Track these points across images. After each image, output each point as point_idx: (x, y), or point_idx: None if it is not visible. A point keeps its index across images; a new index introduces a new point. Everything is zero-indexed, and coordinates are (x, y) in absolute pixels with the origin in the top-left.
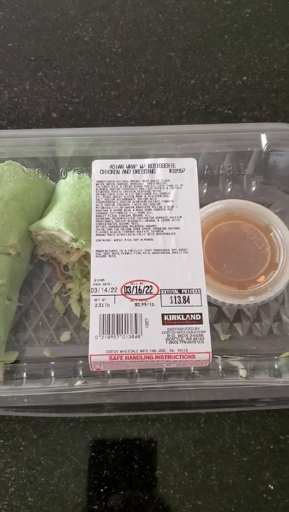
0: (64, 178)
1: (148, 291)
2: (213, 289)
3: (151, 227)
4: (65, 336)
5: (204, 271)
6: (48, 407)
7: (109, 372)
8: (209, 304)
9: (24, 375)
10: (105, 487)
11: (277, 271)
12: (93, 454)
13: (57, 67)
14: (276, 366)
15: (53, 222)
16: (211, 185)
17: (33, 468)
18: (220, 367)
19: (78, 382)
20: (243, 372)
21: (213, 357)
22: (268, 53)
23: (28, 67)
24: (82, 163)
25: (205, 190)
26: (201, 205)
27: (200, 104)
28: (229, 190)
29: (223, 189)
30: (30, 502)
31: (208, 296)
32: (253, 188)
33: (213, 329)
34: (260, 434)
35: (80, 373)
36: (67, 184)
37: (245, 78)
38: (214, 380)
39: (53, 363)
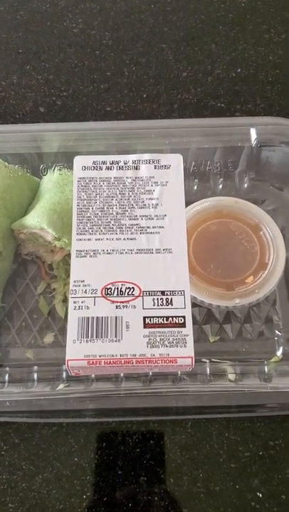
0: (45, 175)
1: (130, 292)
2: (200, 290)
3: (135, 226)
4: (49, 338)
5: (191, 271)
6: (29, 412)
7: (93, 376)
8: (197, 305)
9: (6, 377)
10: (88, 493)
11: (267, 271)
12: (76, 459)
13: (45, 60)
14: (266, 370)
15: (35, 220)
16: (201, 182)
17: (14, 473)
18: (208, 371)
19: (61, 386)
20: (231, 376)
21: (201, 360)
22: (263, 44)
23: (16, 60)
24: (67, 159)
25: (195, 187)
26: (191, 203)
27: (192, 97)
28: (220, 186)
29: (214, 186)
30: (10, 508)
31: (194, 298)
32: (245, 185)
33: (202, 331)
34: (249, 440)
35: (64, 376)
36: (51, 181)
37: (239, 70)
38: (201, 385)
39: (35, 366)
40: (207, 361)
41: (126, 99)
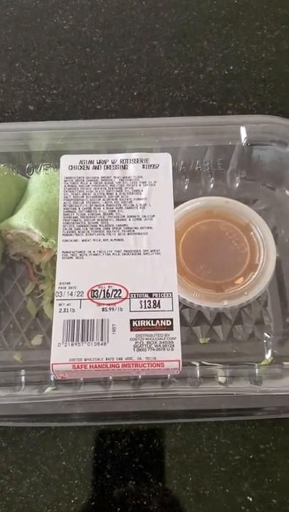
0: (31, 174)
1: (116, 295)
2: (189, 292)
3: (122, 227)
4: (37, 340)
5: (180, 272)
6: (17, 416)
7: (81, 378)
8: (187, 306)
9: None
10: (76, 497)
11: (257, 272)
12: (64, 463)
13: (35, 58)
14: (256, 373)
15: (22, 220)
16: (192, 181)
17: (1, 477)
18: (198, 373)
19: (48, 389)
20: (222, 379)
21: (191, 363)
22: (256, 41)
23: (5, 58)
24: (56, 158)
25: (186, 187)
26: (182, 202)
27: (184, 95)
28: (211, 186)
29: (205, 185)
30: None
31: (183, 300)
32: (237, 184)
33: (192, 332)
34: (240, 443)
35: (51, 379)
36: (39, 180)
37: (231, 68)
38: (191, 388)
39: (23, 369)
40: (197, 364)
41: (116, 97)
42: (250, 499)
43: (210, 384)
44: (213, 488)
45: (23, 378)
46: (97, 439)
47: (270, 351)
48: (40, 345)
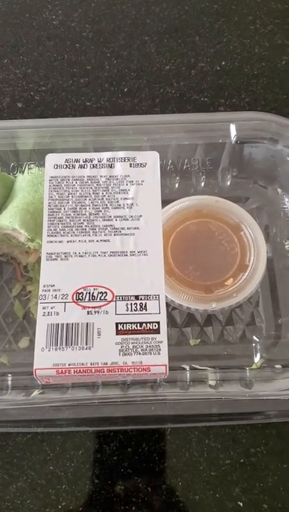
0: (15, 174)
1: (102, 297)
2: (177, 293)
3: (109, 228)
4: (24, 342)
5: (169, 273)
6: (4, 421)
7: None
8: (176, 308)
9: None
10: (63, 503)
11: (247, 273)
12: (51, 467)
13: (24, 54)
14: (247, 376)
15: (7, 220)
16: (183, 180)
17: None
18: (188, 377)
19: (35, 393)
20: (212, 382)
21: (181, 366)
22: (248, 36)
23: None
24: (43, 157)
25: (177, 185)
26: (173, 201)
27: (175, 91)
28: (202, 184)
29: (196, 183)
30: None
31: (172, 301)
32: (228, 183)
33: (182, 334)
34: (230, 447)
35: (38, 383)
36: (25, 179)
37: (223, 63)
38: (181, 391)
39: (9, 372)
40: (187, 367)
41: (106, 93)
42: (241, 504)
43: (200, 387)
44: (203, 493)
45: (9, 382)
46: (85, 443)
47: (261, 354)
48: (28, 347)
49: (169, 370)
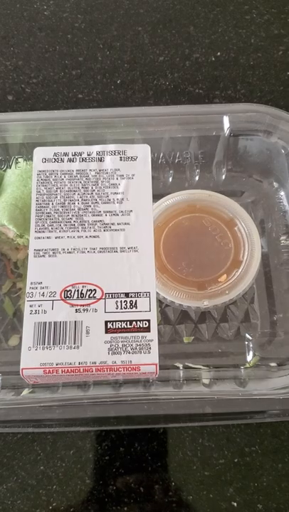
0: (2, 168)
1: (91, 295)
2: (170, 290)
3: (98, 223)
4: (14, 340)
5: (161, 270)
6: None
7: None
8: (168, 305)
9: None
10: (54, 504)
11: (240, 269)
12: (42, 467)
13: (14, 45)
14: (242, 374)
15: None
16: (177, 173)
17: None
18: (181, 375)
19: (25, 392)
20: (206, 381)
21: (174, 365)
22: (244, 26)
23: None
24: (32, 151)
25: (170, 179)
26: (166, 195)
27: (169, 83)
28: (197, 178)
29: (190, 177)
30: None
31: (164, 298)
32: (223, 176)
33: (176, 331)
34: (224, 447)
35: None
36: (14, 174)
37: (219, 54)
38: (174, 390)
39: None
40: (180, 366)
41: (99, 85)
42: (235, 504)
43: (194, 386)
44: (197, 493)
45: None
46: (77, 442)
47: (255, 352)
48: (18, 345)
49: (163, 368)
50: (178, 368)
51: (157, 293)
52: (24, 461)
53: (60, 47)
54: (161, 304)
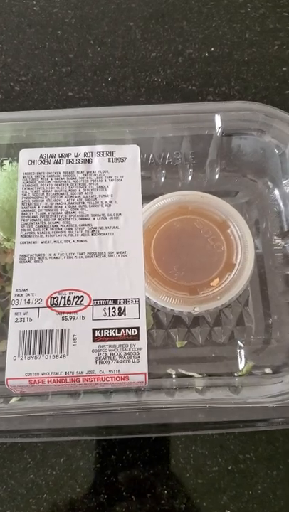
0: None
1: (78, 302)
2: (161, 295)
3: (86, 227)
4: (3, 346)
5: (152, 274)
6: None
7: None
8: (159, 310)
9: None
10: None
11: (233, 273)
12: (32, 476)
13: (3, 42)
14: (235, 380)
15: None
16: (169, 174)
17: None
18: (174, 382)
19: (14, 400)
20: (199, 387)
21: (167, 372)
22: (239, 20)
23: None
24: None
25: (163, 179)
26: (158, 196)
27: (161, 79)
28: (190, 178)
29: (183, 177)
30: None
31: (155, 303)
32: (217, 176)
33: (168, 336)
34: (218, 454)
35: None
36: (1, 176)
37: (212, 49)
38: (166, 398)
39: None
40: (173, 373)
41: (89, 83)
42: None
43: (186, 393)
44: (190, 501)
45: None
46: (67, 450)
47: (249, 357)
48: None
49: (155, 374)
50: (170, 375)
51: (148, 298)
52: (13, 469)
53: (49, 43)
54: (153, 308)
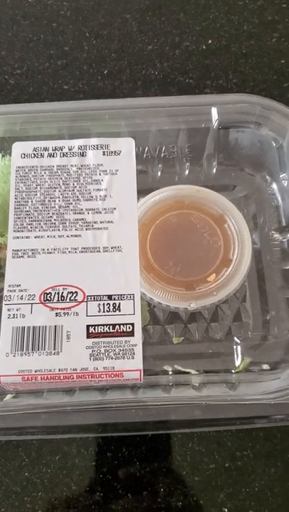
0: None
1: (72, 298)
2: (156, 291)
3: (80, 221)
4: None
5: (148, 269)
6: None
7: None
8: (155, 306)
9: None
10: (39, 511)
11: (230, 268)
12: (27, 474)
13: None
14: (233, 377)
15: None
16: (166, 167)
17: None
18: (170, 379)
19: (8, 397)
20: (195, 384)
21: (163, 368)
22: (237, 12)
23: None
24: None
25: (160, 173)
26: (155, 190)
27: (158, 73)
28: (187, 172)
29: (180, 171)
30: None
31: (150, 299)
32: (214, 170)
33: (165, 332)
34: (215, 451)
35: None
36: None
37: (210, 42)
38: (162, 395)
39: None
40: (170, 369)
41: (85, 76)
42: (226, 510)
43: (183, 389)
44: (187, 499)
45: None
46: (62, 448)
47: (246, 355)
48: None
49: (151, 371)
50: (167, 372)
51: (144, 294)
52: (8, 467)
53: (44, 36)
54: (150, 304)
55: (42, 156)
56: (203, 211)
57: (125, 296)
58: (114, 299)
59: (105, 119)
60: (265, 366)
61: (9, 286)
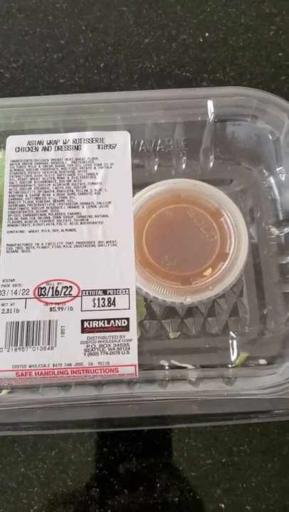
0: None
1: (67, 292)
2: (152, 286)
3: (75, 215)
4: None
5: (143, 264)
6: None
7: None
8: (152, 301)
9: None
10: (35, 507)
11: (227, 262)
12: (22, 469)
13: None
14: (229, 372)
15: None
16: (163, 161)
17: None
18: (167, 374)
19: (3, 392)
20: (192, 379)
21: (160, 363)
22: (234, 5)
23: None
24: None
25: (156, 167)
26: (151, 184)
27: (154, 66)
28: (184, 166)
29: (177, 165)
30: None
31: (146, 294)
32: (211, 164)
33: (161, 326)
34: (211, 446)
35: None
36: None
37: (207, 35)
38: (158, 390)
39: None
40: (166, 364)
41: (81, 69)
42: (223, 506)
43: (179, 384)
44: (183, 494)
45: None
46: (58, 443)
47: (242, 350)
48: None
49: (148, 366)
50: (163, 366)
51: (140, 288)
52: (4, 462)
53: (40, 29)
54: (146, 299)
55: (36, 149)
56: (199, 205)
57: (120, 291)
58: (109, 294)
59: (101, 113)
60: (262, 361)
61: (3, 280)
